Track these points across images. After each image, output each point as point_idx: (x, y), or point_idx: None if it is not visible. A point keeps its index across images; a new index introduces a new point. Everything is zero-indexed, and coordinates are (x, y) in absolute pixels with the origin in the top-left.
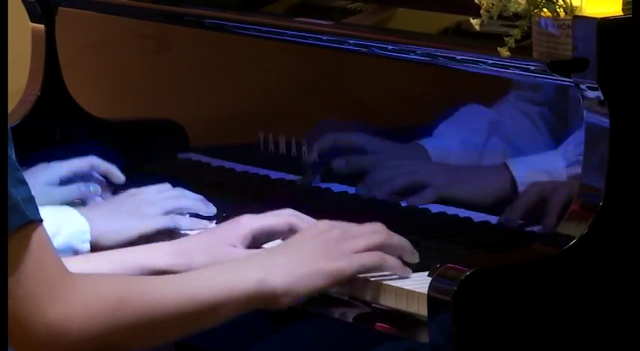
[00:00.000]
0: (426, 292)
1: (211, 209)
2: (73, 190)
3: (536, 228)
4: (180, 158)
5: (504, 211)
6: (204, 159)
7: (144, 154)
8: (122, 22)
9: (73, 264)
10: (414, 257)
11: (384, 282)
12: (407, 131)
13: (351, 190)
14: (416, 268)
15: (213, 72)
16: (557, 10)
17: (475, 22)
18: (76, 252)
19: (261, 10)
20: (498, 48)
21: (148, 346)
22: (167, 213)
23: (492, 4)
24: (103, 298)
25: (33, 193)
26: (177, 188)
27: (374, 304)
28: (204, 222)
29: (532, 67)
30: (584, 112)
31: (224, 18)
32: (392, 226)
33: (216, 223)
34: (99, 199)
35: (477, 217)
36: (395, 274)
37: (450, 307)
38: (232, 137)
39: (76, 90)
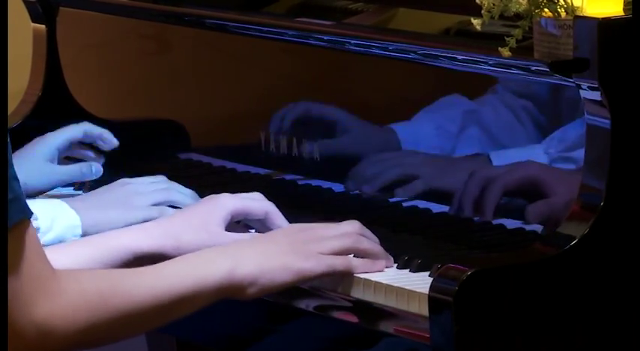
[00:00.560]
0: (427, 292)
1: None
2: (75, 171)
3: (537, 228)
4: (182, 158)
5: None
6: (206, 159)
7: (145, 154)
8: (123, 23)
9: (56, 253)
10: (382, 262)
11: (386, 282)
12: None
13: (353, 190)
14: (417, 269)
15: (214, 72)
16: (558, 10)
17: (476, 23)
18: None
19: (262, 11)
20: (499, 48)
21: (128, 338)
22: (156, 205)
23: (493, 5)
24: (87, 295)
25: (34, 171)
26: (170, 182)
27: (374, 304)
28: None
29: (533, 68)
30: (585, 112)
31: (225, 18)
32: (393, 227)
33: None
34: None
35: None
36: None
37: (451, 307)
38: (234, 137)
39: (77, 90)
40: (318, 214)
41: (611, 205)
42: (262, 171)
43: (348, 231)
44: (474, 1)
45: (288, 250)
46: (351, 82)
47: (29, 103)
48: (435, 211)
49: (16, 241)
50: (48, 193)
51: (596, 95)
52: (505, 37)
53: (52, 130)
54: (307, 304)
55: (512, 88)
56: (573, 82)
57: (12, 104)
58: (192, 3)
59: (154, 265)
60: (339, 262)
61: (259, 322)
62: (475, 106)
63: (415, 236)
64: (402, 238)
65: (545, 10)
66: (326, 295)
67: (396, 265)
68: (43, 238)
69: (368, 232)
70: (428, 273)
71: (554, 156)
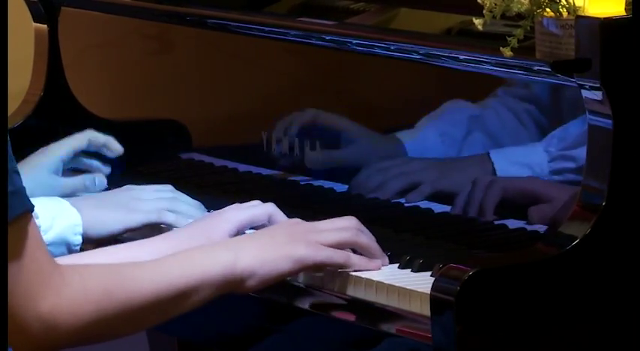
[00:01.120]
0: (429, 292)
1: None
2: (79, 184)
3: (538, 228)
4: (183, 158)
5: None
6: (207, 159)
7: (147, 154)
8: (125, 22)
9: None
10: (379, 260)
11: (387, 282)
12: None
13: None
14: (419, 268)
15: (215, 72)
16: (560, 10)
17: (478, 22)
18: (68, 244)
19: (264, 10)
20: (501, 48)
21: (131, 334)
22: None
23: (495, 4)
24: (90, 289)
25: (38, 184)
26: (176, 191)
27: (376, 304)
28: (189, 219)
29: (535, 67)
30: (587, 112)
31: (227, 18)
32: (394, 227)
33: None
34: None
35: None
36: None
37: (452, 307)
38: (235, 137)
39: (78, 90)
40: (320, 214)
41: (613, 205)
42: (264, 171)
43: (347, 225)
44: (475, 0)
45: (287, 240)
46: (352, 82)
47: (31, 103)
48: (436, 211)
49: (18, 234)
50: None
51: (597, 95)
52: (507, 37)
53: (54, 130)
54: (308, 304)
55: (513, 87)
56: (575, 82)
57: (13, 104)
58: (195, 3)
59: (156, 259)
60: (338, 254)
61: (260, 322)
62: (477, 110)
63: (417, 236)
64: (404, 237)
65: (547, 9)
66: (327, 295)
67: (397, 264)
68: (44, 237)
69: (365, 229)
70: (430, 273)
71: (555, 155)
